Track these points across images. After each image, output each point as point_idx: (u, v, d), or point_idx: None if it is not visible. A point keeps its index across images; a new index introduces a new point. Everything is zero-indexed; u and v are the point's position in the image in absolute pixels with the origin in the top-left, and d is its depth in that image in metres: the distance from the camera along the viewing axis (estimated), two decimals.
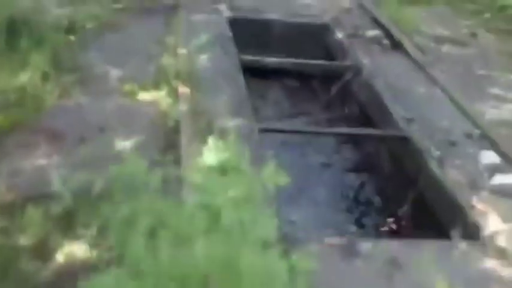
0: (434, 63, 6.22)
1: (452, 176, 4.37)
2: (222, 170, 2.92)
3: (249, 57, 6.08)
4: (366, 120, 5.89)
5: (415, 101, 5.49)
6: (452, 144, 4.77)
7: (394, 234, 4.81)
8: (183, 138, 4.14)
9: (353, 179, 5.40)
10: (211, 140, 3.06)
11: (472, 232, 3.84)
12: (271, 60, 6.22)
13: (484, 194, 4.14)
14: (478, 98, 5.72)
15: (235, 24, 6.51)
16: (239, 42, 6.08)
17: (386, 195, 5.14)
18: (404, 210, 4.86)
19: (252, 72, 6.09)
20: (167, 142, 4.30)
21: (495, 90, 6.01)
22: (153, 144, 4.30)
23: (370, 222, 4.97)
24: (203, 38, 5.10)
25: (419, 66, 6.13)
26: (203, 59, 5.20)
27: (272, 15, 7.01)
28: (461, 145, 4.77)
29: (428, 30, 7.21)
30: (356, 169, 5.48)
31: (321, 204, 5.09)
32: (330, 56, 6.71)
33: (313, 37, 6.91)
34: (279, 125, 5.05)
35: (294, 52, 6.40)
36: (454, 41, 7.01)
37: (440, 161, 4.53)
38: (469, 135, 4.93)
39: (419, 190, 4.69)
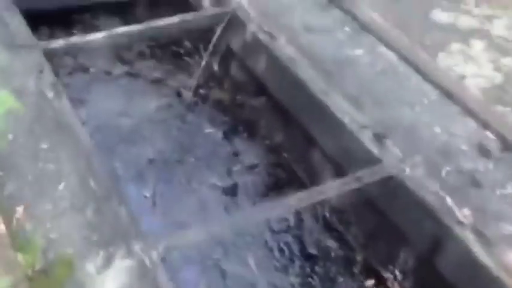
0: None
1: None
2: None
3: (60, 42, 3.52)
4: (278, 108, 3.70)
5: (362, 83, 3.38)
6: (476, 184, 2.83)
7: None
8: None
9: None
10: None
11: None
12: (99, 36, 3.65)
13: None
14: (433, 46, 3.75)
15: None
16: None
17: None
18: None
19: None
20: None
21: (442, 17, 4.07)
22: None
23: None
24: None
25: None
26: None
27: None
28: (489, 182, 2.85)
29: None
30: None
31: None
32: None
33: None
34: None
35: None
36: None
37: (480, 234, 2.62)
38: (484, 150, 3.02)
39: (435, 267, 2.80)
